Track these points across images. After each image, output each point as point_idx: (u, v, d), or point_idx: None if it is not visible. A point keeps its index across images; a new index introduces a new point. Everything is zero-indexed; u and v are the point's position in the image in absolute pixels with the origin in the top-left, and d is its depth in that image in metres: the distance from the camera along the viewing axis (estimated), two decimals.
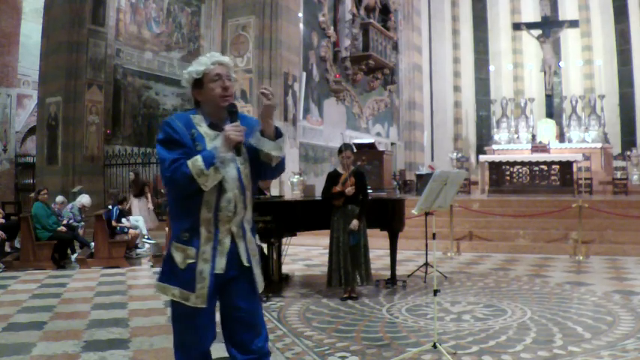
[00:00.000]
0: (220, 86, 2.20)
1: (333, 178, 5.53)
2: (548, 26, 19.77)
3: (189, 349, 2.26)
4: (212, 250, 2.18)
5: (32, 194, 8.85)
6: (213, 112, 2.24)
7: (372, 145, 13.96)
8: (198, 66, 2.23)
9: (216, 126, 2.23)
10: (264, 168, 2.29)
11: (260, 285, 2.31)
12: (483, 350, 3.73)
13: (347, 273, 5.42)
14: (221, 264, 2.19)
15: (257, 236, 2.39)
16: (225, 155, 2.10)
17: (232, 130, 2.10)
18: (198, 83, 2.24)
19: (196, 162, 2.08)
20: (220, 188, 2.16)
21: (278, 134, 2.25)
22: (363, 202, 5.51)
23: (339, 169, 5.57)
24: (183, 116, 2.25)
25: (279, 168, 2.32)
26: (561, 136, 18.39)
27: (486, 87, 21.23)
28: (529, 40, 20.42)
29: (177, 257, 2.19)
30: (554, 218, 9.28)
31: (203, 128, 2.22)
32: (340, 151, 5.57)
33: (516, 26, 20.59)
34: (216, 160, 2.08)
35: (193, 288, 2.17)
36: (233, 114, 2.18)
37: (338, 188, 5.44)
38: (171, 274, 2.22)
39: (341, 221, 5.48)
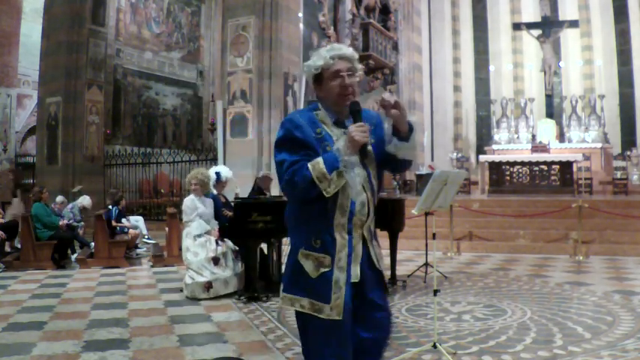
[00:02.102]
0: (340, 85, 2.04)
1: None
2: (548, 26, 19.76)
3: None
4: (347, 257, 2.02)
5: (31, 194, 8.85)
6: (335, 109, 2.08)
7: None
8: (317, 60, 2.07)
9: (342, 124, 2.07)
10: (398, 164, 2.15)
11: (386, 290, 2.20)
12: (483, 350, 3.73)
13: None
14: (356, 272, 2.05)
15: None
16: (350, 158, 1.91)
17: (357, 130, 1.91)
18: (318, 78, 2.08)
19: (318, 165, 1.91)
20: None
21: (410, 129, 2.06)
22: None
23: None
24: (306, 113, 2.09)
25: (412, 163, 2.20)
26: (561, 136, 18.37)
27: (486, 87, 21.20)
28: (529, 40, 20.41)
29: (308, 266, 2.02)
30: (554, 218, 9.27)
31: (329, 126, 2.05)
32: None
33: (516, 26, 20.57)
34: (340, 163, 1.90)
35: (328, 299, 1.99)
36: (356, 113, 2.00)
37: None
38: (299, 284, 2.05)
39: None
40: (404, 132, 2.03)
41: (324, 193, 1.93)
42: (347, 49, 2.11)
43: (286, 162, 1.97)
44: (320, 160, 1.93)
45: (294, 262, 2.07)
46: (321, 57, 2.07)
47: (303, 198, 2.01)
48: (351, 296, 2.03)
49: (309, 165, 1.92)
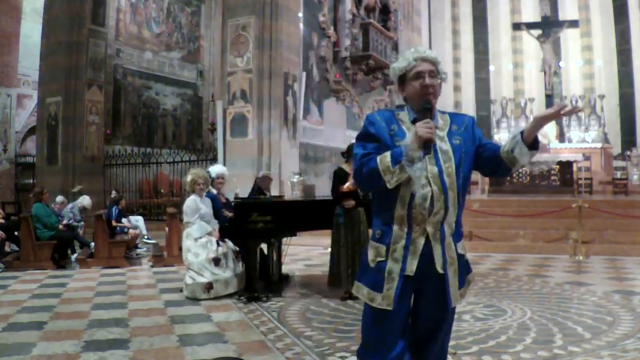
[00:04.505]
0: (420, 85, 2.11)
1: (340, 177, 5.47)
2: (548, 26, 19.77)
3: (375, 355, 2.11)
4: (403, 249, 2.06)
5: (31, 195, 8.84)
6: (416, 109, 2.14)
7: None
8: (401, 62, 2.16)
9: None
10: (500, 167, 2.17)
11: (454, 298, 2.11)
12: (483, 350, 3.73)
13: (354, 273, 5.37)
14: (412, 266, 2.06)
15: (461, 244, 2.25)
16: (414, 153, 1.95)
17: (422, 127, 1.96)
18: (402, 80, 2.17)
19: (385, 158, 2.01)
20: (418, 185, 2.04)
21: (535, 143, 2.08)
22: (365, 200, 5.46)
23: (346, 168, 5.49)
24: (387, 111, 2.20)
25: (512, 171, 2.20)
26: (561, 136, 18.37)
27: (486, 87, 21.21)
28: (529, 40, 20.42)
29: (370, 255, 2.13)
30: (554, 218, 9.27)
31: (406, 124, 2.12)
32: (349, 150, 5.38)
33: (516, 26, 20.58)
34: (403, 157, 1.96)
35: (381, 288, 2.06)
36: (427, 111, 2.06)
37: (345, 188, 5.39)
38: (363, 272, 2.15)
39: (347, 221, 5.45)
40: (528, 140, 2.06)
41: (387, 184, 2.01)
42: (430, 52, 2.17)
43: (359, 154, 2.10)
44: (388, 153, 2.02)
45: (365, 252, 2.18)
46: (405, 59, 2.16)
47: (369, 188, 2.12)
48: (404, 288, 2.07)
49: (378, 158, 2.03)
